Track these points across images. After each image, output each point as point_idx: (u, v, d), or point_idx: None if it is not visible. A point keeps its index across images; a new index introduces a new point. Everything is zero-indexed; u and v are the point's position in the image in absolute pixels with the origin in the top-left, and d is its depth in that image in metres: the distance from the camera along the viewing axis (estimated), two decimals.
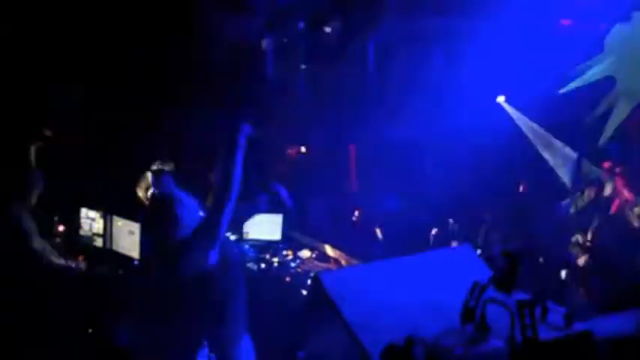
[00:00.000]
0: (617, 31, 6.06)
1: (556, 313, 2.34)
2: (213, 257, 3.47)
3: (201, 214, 3.58)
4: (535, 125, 8.13)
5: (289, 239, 5.78)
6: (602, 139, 6.25)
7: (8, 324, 4.47)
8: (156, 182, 4.86)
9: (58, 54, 6.72)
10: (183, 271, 3.44)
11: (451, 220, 6.72)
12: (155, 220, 3.51)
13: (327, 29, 7.50)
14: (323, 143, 7.87)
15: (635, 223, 6.22)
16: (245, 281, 3.80)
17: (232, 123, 3.38)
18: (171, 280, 3.48)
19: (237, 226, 5.05)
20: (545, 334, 2.16)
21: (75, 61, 6.83)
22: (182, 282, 3.46)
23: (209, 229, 3.38)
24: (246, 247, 5.43)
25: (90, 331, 4.84)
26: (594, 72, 6.21)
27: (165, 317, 3.50)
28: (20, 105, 6.64)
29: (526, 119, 8.22)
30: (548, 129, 8.04)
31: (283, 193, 4.19)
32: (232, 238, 5.45)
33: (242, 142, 3.35)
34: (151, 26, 6.93)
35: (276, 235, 5.87)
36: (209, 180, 4.91)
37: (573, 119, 7.84)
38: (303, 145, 7.48)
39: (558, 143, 8.24)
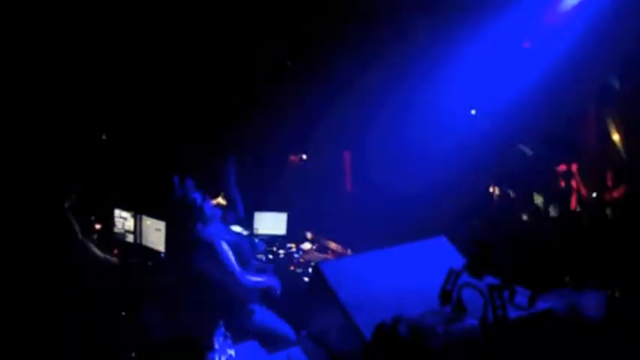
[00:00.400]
0: None
1: (523, 295, 2.33)
2: (221, 254, 3.49)
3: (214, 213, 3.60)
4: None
5: (293, 233, 5.77)
6: None
7: (55, 306, 4.47)
8: (180, 185, 4.85)
9: (95, 67, 6.62)
10: (197, 264, 3.46)
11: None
12: (180, 220, 3.55)
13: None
14: (321, 151, 7.86)
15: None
16: (254, 270, 3.80)
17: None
18: (189, 272, 3.51)
19: None
20: (512, 314, 2.15)
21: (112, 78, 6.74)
22: (198, 274, 3.48)
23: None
24: (256, 240, 5.42)
25: (124, 313, 4.83)
26: None
27: (185, 305, 3.51)
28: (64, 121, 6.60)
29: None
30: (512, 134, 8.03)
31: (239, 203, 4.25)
32: (245, 233, 5.45)
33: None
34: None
35: (281, 230, 5.87)
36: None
37: (534, 126, 7.84)
38: (304, 153, 7.48)
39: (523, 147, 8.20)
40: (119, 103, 6.83)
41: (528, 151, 7.90)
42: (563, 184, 7.40)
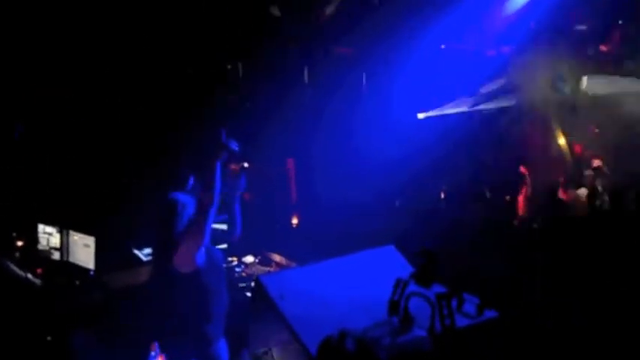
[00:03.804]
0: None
1: (471, 303, 2.38)
2: (200, 258, 3.43)
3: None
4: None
5: (234, 246, 5.69)
6: None
7: None
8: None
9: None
10: (175, 267, 3.39)
11: None
12: (162, 220, 3.46)
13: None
14: (264, 158, 7.82)
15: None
16: (227, 284, 3.74)
17: (215, 141, 3.39)
18: (165, 275, 3.43)
19: None
20: (461, 322, 2.19)
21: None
22: (174, 278, 3.41)
23: (196, 230, 3.37)
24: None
25: (49, 338, 4.66)
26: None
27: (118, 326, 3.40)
28: None
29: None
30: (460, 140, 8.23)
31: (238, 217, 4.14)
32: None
33: (222, 157, 3.39)
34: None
35: (222, 243, 5.79)
36: None
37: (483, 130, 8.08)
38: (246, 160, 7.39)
39: None
40: (44, 91, 6.47)
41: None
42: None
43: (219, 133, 3.42)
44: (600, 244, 5.44)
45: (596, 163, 6.68)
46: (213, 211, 3.41)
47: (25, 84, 6.30)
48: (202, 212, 3.39)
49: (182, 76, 7.10)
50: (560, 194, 7.04)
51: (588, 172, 6.68)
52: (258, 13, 7.05)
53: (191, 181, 3.66)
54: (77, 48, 6.42)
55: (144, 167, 6.34)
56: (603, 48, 6.87)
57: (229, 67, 7.78)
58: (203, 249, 3.47)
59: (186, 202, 3.53)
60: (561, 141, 6.38)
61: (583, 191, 6.72)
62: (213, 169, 3.36)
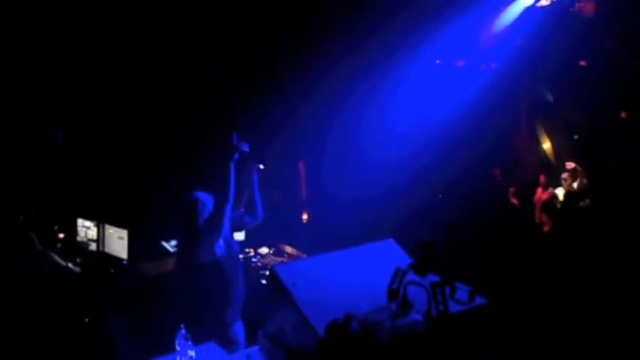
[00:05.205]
0: None
1: (463, 291, 2.37)
2: (220, 249, 3.45)
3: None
4: None
5: (251, 238, 5.70)
6: None
7: (17, 314, 4.31)
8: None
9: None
10: (197, 257, 3.41)
11: None
12: (186, 215, 3.50)
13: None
14: (278, 161, 7.83)
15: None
16: (243, 273, 3.75)
17: (227, 143, 3.41)
18: (188, 264, 3.46)
19: None
20: (453, 308, 2.19)
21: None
22: (196, 267, 3.43)
23: (214, 224, 3.39)
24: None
25: (86, 320, 4.69)
26: None
27: (150, 310, 3.41)
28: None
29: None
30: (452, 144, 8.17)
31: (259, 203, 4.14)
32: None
33: (234, 158, 3.41)
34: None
35: (240, 236, 5.81)
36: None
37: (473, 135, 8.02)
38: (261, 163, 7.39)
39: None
40: (79, 97, 6.42)
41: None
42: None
43: (231, 137, 3.43)
44: (580, 239, 5.39)
45: (571, 165, 6.61)
46: (229, 207, 3.42)
47: (64, 91, 6.32)
48: (219, 208, 3.41)
49: (206, 87, 7.11)
50: (539, 194, 6.99)
51: (565, 175, 6.60)
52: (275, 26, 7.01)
53: (210, 181, 3.67)
54: (110, 57, 6.43)
55: (170, 169, 6.38)
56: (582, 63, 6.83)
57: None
58: (221, 241, 3.49)
59: (206, 200, 3.55)
60: (546, 145, 6.33)
61: (560, 191, 6.68)
62: (227, 169, 3.38)
